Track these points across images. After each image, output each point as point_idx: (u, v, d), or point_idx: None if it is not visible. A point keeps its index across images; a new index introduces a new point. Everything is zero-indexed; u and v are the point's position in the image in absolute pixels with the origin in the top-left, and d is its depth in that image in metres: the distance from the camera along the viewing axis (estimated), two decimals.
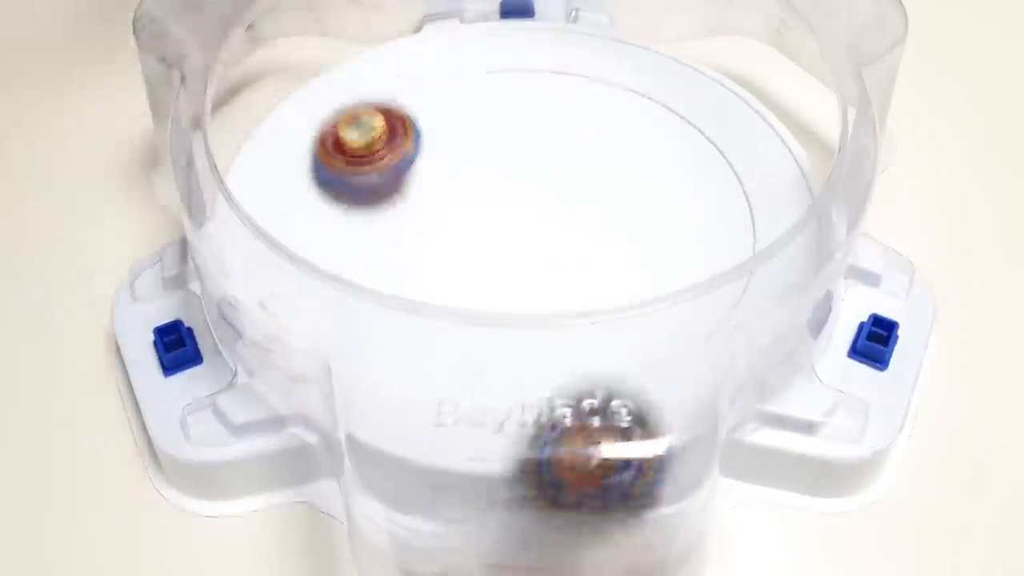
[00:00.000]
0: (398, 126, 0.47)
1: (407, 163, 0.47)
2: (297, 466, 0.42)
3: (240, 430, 0.41)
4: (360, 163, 0.46)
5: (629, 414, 0.36)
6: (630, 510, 0.37)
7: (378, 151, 0.46)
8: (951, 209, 0.51)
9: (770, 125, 0.48)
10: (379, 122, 0.46)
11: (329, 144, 0.46)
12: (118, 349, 0.45)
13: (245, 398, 0.42)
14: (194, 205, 0.42)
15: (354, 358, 0.38)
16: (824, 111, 0.47)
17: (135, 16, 0.46)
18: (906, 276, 0.45)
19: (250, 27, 0.48)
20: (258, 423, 0.41)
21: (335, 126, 0.47)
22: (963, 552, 0.42)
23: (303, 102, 0.50)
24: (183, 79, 0.44)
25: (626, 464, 0.36)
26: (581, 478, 0.36)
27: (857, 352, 0.43)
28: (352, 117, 0.47)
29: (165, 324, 0.44)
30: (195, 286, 0.45)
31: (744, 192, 0.47)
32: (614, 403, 0.38)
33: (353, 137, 0.46)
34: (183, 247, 0.46)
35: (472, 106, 0.50)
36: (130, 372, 0.44)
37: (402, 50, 0.52)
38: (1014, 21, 0.58)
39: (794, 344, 0.41)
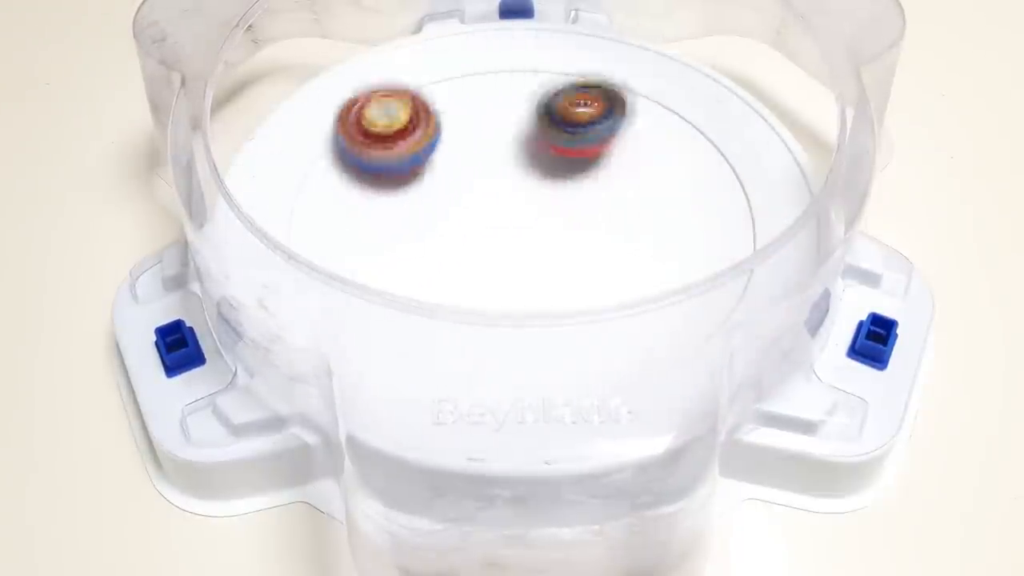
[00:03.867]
0: (422, 114, 0.47)
1: (426, 152, 0.47)
2: (297, 466, 0.42)
3: (240, 430, 0.41)
4: (378, 144, 0.46)
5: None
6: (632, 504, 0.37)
7: (399, 136, 0.46)
8: (949, 208, 0.51)
9: (769, 125, 0.48)
10: (405, 109, 0.46)
11: (351, 120, 0.46)
12: (118, 349, 0.45)
13: (245, 398, 0.42)
14: (194, 206, 0.42)
15: (354, 357, 0.38)
16: (823, 110, 0.47)
17: (135, 18, 0.46)
18: (904, 275, 0.45)
19: (250, 28, 0.48)
20: (258, 423, 0.41)
21: (361, 104, 0.47)
22: (962, 551, 0.42)
23: (303, 103, 0.50)
24: (183, 80, 0.44)
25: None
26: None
27: (856, 351, 0.43)
28: (380, 97, 0.47)
29: (167, 324, 0.44)
30: (195, 286, 0.45)
31: (744, 191, 0.47)
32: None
33: (377, 117, 0.46)
34: (183, 247, 0.46)
35: (472, 106, 0.50)
36: (130, 372, 0.44)
37: (402, 50, 0.52)
38: (1012, 20, 0.58)
39: (792, 343, 0.41)
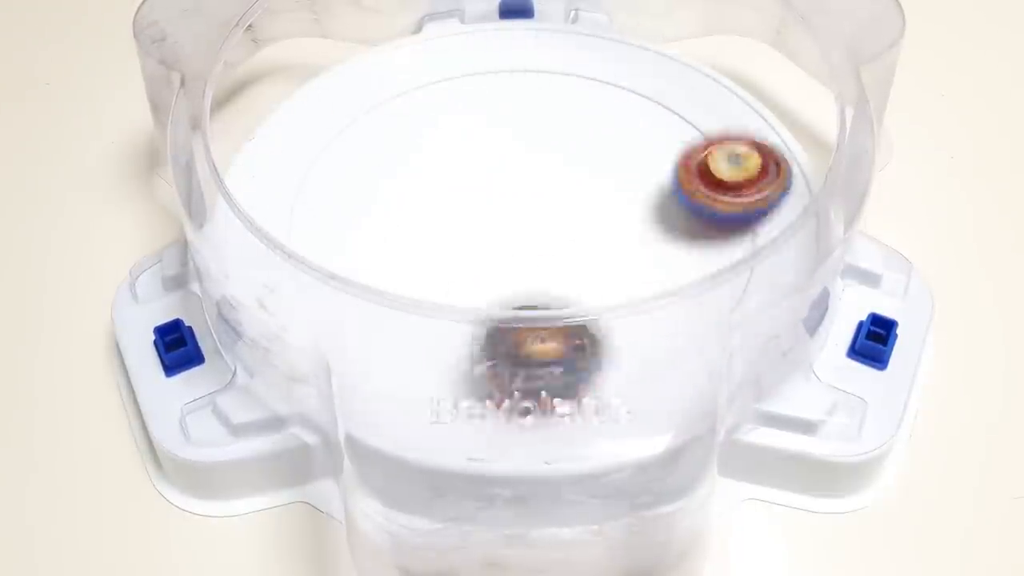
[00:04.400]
0: (771, 164, 0.45)
1: (775, 203, 0.45)
2: (296, 466, 0.42)
3: (240, 430, 0.41)
4: (722, 193, 0.44)
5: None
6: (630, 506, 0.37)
7: (747, 186, 0.44)
8: (949, 208, 0.51)
9: (769, 124, 0.48)
10: (755, 160, 0.44)
11: (693, 167, 0.45)
12: (118, 349, 0.45)
13: (245, 398, 0.42)
14: (194, 205, 0.42)
15: (353, 357, 0.38)
16: (823, 110, 0.47)
17: (135, 18, 0.46)
18: (904, 275, 0.45)
19: (250, 28, 0.48)
20: (257, 423, 0.41)
21: (706, 152, 0.45)
22: (962, 551, 0.42)
23: (303, 102, 0.50)
24: (183, 80, 0.44)
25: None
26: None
27: (856, 351, 0.43)
28: (727, 150, 0.45)
29: (166, 324, 0.44)
30: (195, 286, 0.45)
31: None
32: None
33: (723, 168, 0.44)
34: (183, 247, 0.46)
35: (472, 106, 0.50)
36: (130, 372, 0.44)
37: (402, 50, 0.52)
38: (1012, 20, 0.58)
39: (792, 343, 0.41)
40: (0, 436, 0.45)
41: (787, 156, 0.45)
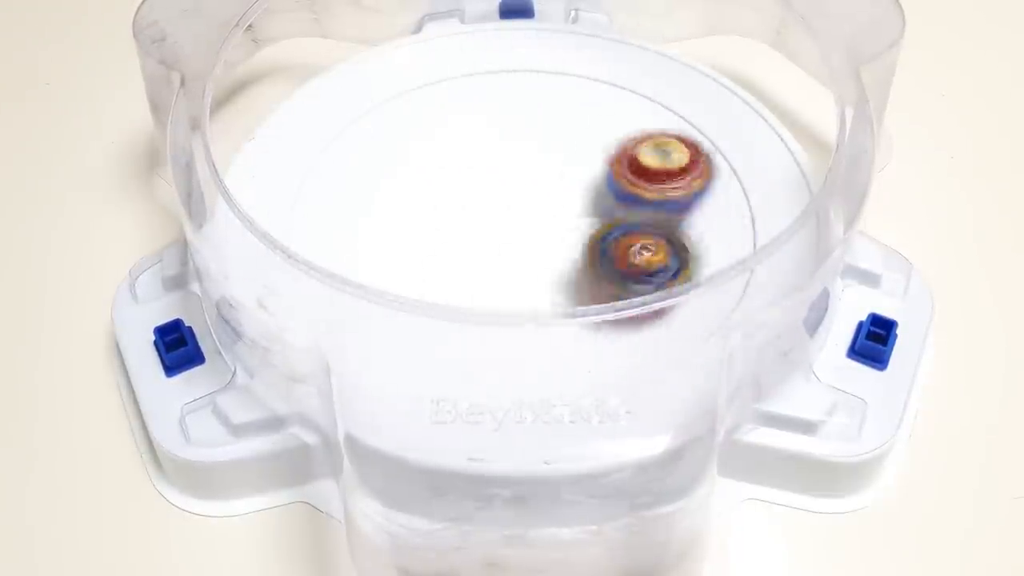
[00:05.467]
0: (699, 159, 0.47)
1: (699, 195, 0.46)
2: (296, 466, 0.42)
3: (240, 430, 0.41)
4: (647, 182, 0.46)
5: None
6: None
7: (673, 178, 0.46)
8: (949, 208, 0.51)
9: (769, 125, 0.48)
10: (681, 153, 0.47)
11: (625, 158, 0.47)
12: (118, 349, 0.45)
13: (245, 398, 0.42)
14: (194, 205, 0.42)
15: (353, 357, 0.38)
16: (823, 110, 0.47)
17: (135, 18, 0.46)
18: (904, 275, 0.45)
19: (250, 28, 0.48)
20: (257, 423, 0.41)
21: (635, 147, 0.47)
22: (962, 551, 0.42)
23: (303, 102, 0.50)
24: (183, 80, 0.44)
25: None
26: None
27: (856, 352, 0.43)
28: (655, 143, 0.47)
29: (166, 324, 0.44)
30: (195, 286, 0.45)
31: (743, 191, 0.47)
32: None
33: (651, 161, 0.47)
34: (183, 247, 0.46)
35: (472, 106, 0.50)
36: (130, 372, 0.44)
37: (402, 50, 0.52)
38: (1012, 20, 0.58)
39: (791, 343, 0.41)
40: (0, 436, 0.44)
41: (712, 152, 0.47)
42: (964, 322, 0.47)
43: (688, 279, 0.43)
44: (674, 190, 0.46)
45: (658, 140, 0.47)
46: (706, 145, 0.47)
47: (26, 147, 0.53)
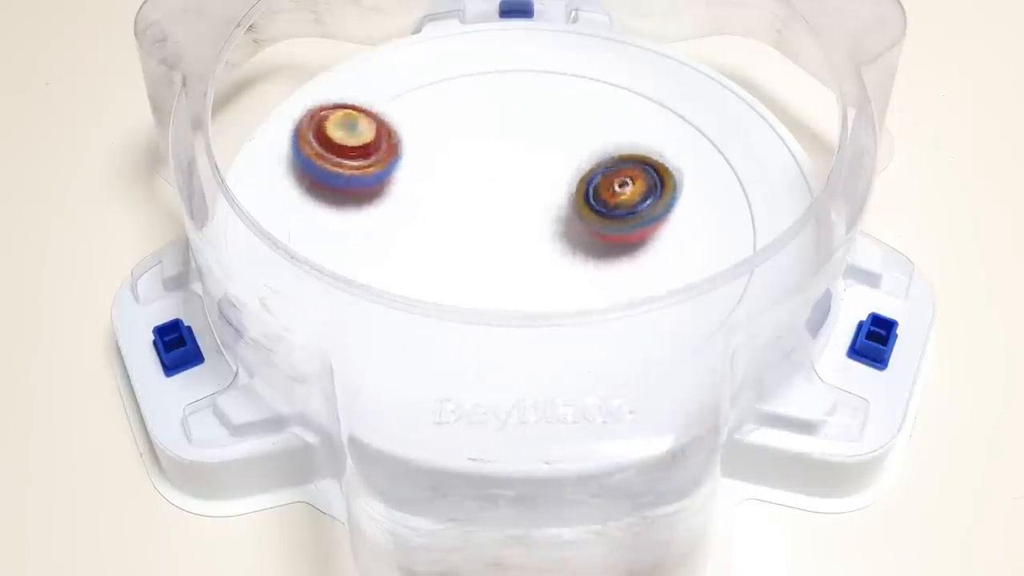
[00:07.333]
0: (383, 134, 0.46)
1: (388, 171, 0.46)
2: (298, 466, 0.42)
3: (241, 430, 0.41)
4: (343, 160, 0.46)
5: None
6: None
7: (363, 154, 0.46)
8: (950, 208, 0.51)
9: (770, 125, 0.48)
10: (369, 129, 0.46)
11: (312, 136, 0.46)
12: (118, 349, 0.45)
13: (246, 398, 0.42)
14: (195, 205, 0.42)
15: (356, 357, 0.38)
16: (823, 110, 0.47)
17: (136, 18, 0.46)
18: (905, 275, 0.45)
19: (251, 29, 0.48)
20: (258, 423, 0.41)
21: (323, 120, 0.46)
22: (962, 551, 0.42)
23: (303, 102, 0.50)
24: (184, 80, 0.44)
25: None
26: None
27: (856, 351, 0.43)
28: (341, 118, 0.46)
29: (165, 323, 0.44)
30: (196, 286, 0.45)
31: (744, 192, 0.47)
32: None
33: (341, 137, 0.46)
34: (184, 247, 0.46)
35: (472, 106, 0.50)
36: (130, 372, 0.44)
37: (402, 50, 0.52)
38: (1012, 20, 0.58)
39: (793, 343, 0.41)
40: (0, 436, 0.44)
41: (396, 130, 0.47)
42: (965, 322, 0.47)
43: (669, 197, 0.44)
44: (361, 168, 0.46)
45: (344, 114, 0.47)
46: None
47: (26, 147, 0.53)
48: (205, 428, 0.42)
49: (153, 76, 0.46)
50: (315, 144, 0.46)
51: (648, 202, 0.44)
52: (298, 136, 0.46)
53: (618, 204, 0.44)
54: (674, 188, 0.44)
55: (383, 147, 0.46)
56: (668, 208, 0.44)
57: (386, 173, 0.46)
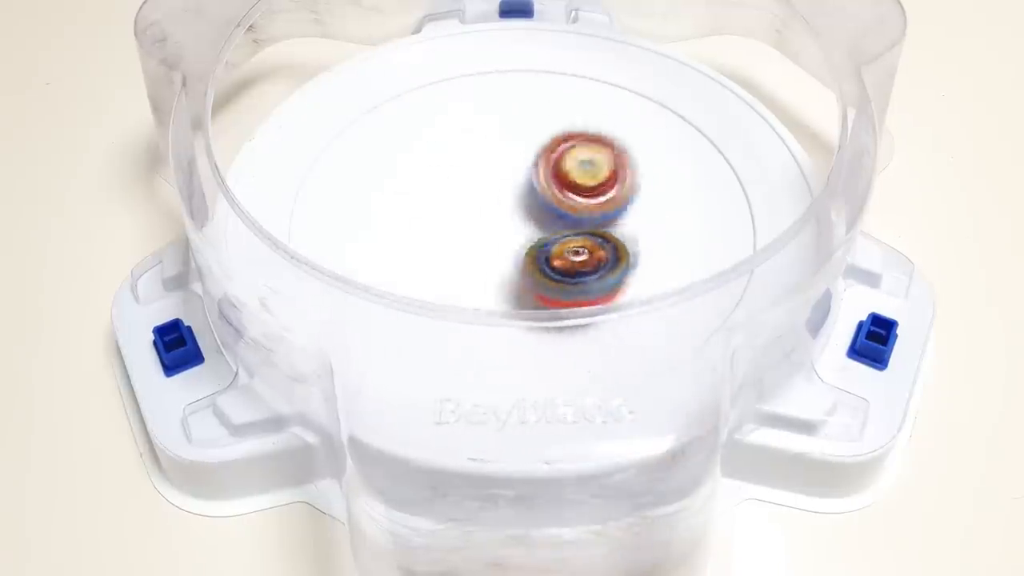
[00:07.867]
0: (621, 170, 0.45)
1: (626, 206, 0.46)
2: (298, 466, 0.42)
3: (241, 430, 0.41)
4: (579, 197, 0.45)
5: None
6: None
7: (600, 190, 0.45)
8: (950, 208, 0.51)
9: (770, 125, 0.48)
10: (606, 164, 0.45)
11: (549, 171, 0.45)
12: (118, 349, 0.45)
13: (246, 398, 0.42)
14: (195, 205, 0.42)
15: (356, 357, 0.38)
16: (823, 110, 0.47)
17: (136, 18, 0.46)
18: (905, 275, 0.45)
19: (251, 29, 0.48)
20: (259, 423, 0.41)
21: (561, 154, 0.46)
22: (962, 551, 0.42)
23: (303, 102, 0.50)
24: (184, 80, 0.44)
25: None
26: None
27: (856, 351, 0.43)
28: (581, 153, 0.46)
29: (165, 323, 0.44)
30: (196, 286, 0.45)
31: (744, 192, 0.47)
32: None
33: (578, 174, 0.45)
34: (184, 247, 0.46)
35: (472, 106, 0.50)
36: (130, 372, 0.44)
37: (402, 50, 0.52)
38: (1012, 20, 0.58)
39: (793, 343, 0.41)
40: (0, 436, 0.44)
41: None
42: (965, 322, 0.47)
43: (625, 266, 0.43)
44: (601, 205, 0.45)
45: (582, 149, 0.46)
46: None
47: (26, 147, 0.53)
48: (205, 428, 0.42)
49: (153, 76, 0.46)
50: (551, 181, 0.45)
51: (596, 275, 0.43)
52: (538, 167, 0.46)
53: (567, 270, 0.42)
54: (626, 266, 0.43)
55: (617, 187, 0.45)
56: (617, 281, 0.43)
57: (615, 215, 0.45)
